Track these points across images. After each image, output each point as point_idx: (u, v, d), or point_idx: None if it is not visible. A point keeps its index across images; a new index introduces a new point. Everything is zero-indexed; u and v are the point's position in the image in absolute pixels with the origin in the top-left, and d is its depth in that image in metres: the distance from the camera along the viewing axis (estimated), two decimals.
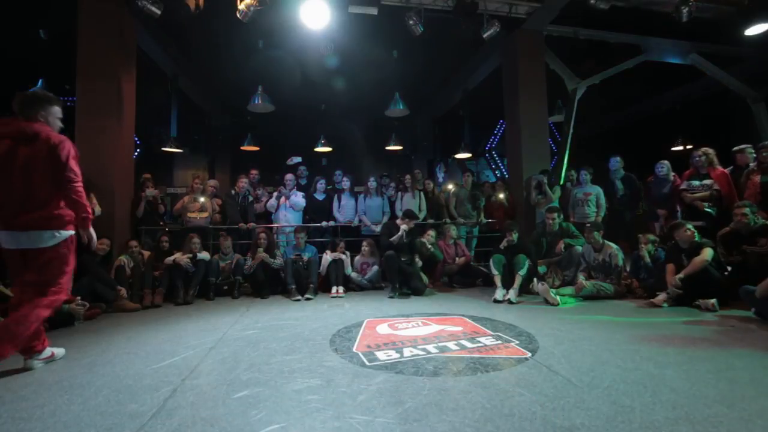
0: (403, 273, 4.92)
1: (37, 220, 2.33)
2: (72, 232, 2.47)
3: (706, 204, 4.71)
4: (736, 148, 5.03)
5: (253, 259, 5.01)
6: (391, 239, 4.98)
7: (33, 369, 2.37)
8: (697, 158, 4.91)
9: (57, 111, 2.55)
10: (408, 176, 6.46)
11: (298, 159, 7.32)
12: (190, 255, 4.83)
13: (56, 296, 2.42)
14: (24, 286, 2.39)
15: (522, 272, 4.35)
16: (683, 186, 4.96)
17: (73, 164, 2.41)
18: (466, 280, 5.49)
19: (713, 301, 3.58)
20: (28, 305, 2.31)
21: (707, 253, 3.78)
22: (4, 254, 2.40)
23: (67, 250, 2.46)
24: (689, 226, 4.02)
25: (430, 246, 5.27)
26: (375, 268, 5.35)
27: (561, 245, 4.79)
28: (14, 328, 2.23)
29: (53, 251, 2.39)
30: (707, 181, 4.81)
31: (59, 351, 2.61)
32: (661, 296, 3.85)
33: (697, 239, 3.95)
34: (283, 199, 5.95)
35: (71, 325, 3.53)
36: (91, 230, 2.51)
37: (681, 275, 3.79)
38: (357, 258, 5.45)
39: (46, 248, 2.37)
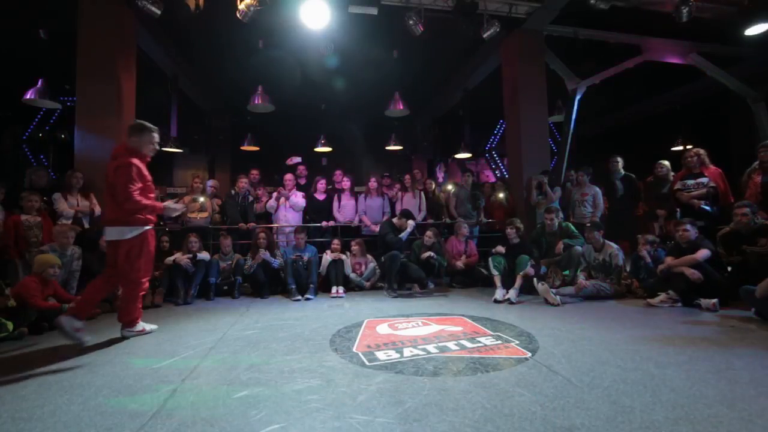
0: (404, 269, 4.99)
1: (117, 219, 3.03)
2: (145, 228, 3.10)
3: (702, 202, 4.71)
4: (763, 144, 4.79)
5: (253, 259, 5.01)
6: (401, 235, 5.02)
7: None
8: (689, 158, 4.93)
9: (151, 137, 3.18)
10: (408, 176, 6.46)
11: (298, 159, 7.32)
12: (190, 255, 4.83)
13: (142, 279, 3.17)
14: (112, 270, 3.12)
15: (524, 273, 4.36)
16: (677, 186, 4.98)
17: (124, 181, 2.93)
18: (467, 280, 5.49)
19: (714, 300, 3.58)
20: (124, 288, 3.20)
21: (701, 254, 3.78)
22: (105, 243, 3.17)
23: (141, 242, 3.09)
24: (686, 226, 4.00)
25: (433, 254, 5.24)
26: (371, 266, 5.38)
27: (560, 245, 4.80)
28: (124, 305, 3.16)
29: (128, 243, 3.04)
30: (702, 179, 4.81)
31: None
32: (662, 297, 3.85)
33: (698, 240, 3.93)
34: (282, 200, 5.95)
35: None
36: (167, 208, 3.21)
37: (663, 266, 3.90)
38: (349, 259, 5.46)
39: (124, 240, 3.03)
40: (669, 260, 3.98)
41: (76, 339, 2.81)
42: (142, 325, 3.20)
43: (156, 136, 3.21)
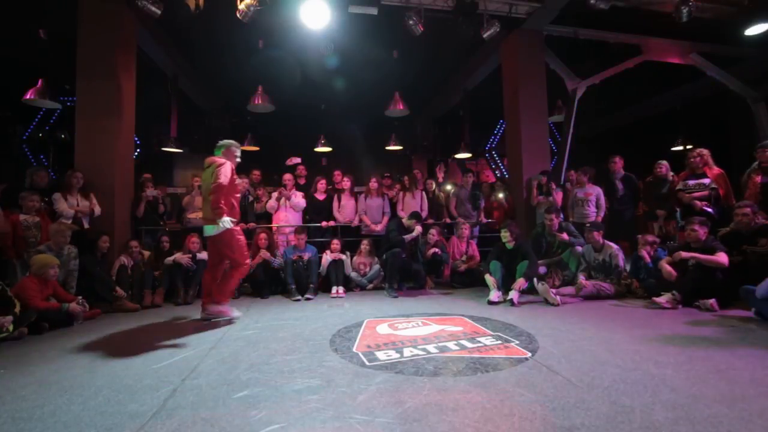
0: (405, 268, 5.06)
1: (209, 218, 3.57)
2: (229, 227, 3.55)
3: (704, 204, 4.70)
4: (761, 144, 4.75)
5: (254, 259, 5.01)
6: (406, 236, 5.02)
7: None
8: (692, 159, 4.93)
9: (234, 150, 3.80)
10: (406, 177, 6.46)
11: (298, 160, 7.30)
12: (191, 255, 4.83)
13: (237, 266, 3.71)
14: (212, 262, 3.86)
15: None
16: (679, 186, 4.97)
17: (221, 177, 3.47)
18: (467, 280, 5.50)
19: (712, 300, 3.57)
20: (229, 270, 3.74)
21: (724, 258, 3.62)
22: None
23: (229, 237, 3.59)
24: (696, 226, 3.86)
25: (438, 250, 5.33)
26: (376, 267, 5.37)
27: (564, 234, 4.78)
28: (222, 287, 3.71)
29: (219, 238, 3.59)
30: (703, 180, 4.81)
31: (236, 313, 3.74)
32: (667, 296, 3.75)
33: (709, 241, 3.81)
34: (284, 200, 5.96)
35: (70, 325, 3.53)
36: (224, 219, 3.50)
37: (686, 255, 3.76)
38: (355, 258, 5.46)
39: (215, 236, 3.59)
40: (683, 252, 3.85)
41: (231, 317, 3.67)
42: (227, 307, 3.67)
43: (238, 151, 3.83)
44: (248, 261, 3.81)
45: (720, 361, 2.26)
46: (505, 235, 4.56)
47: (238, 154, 3.83)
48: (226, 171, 3.52)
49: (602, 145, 10.52)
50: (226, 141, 3.81)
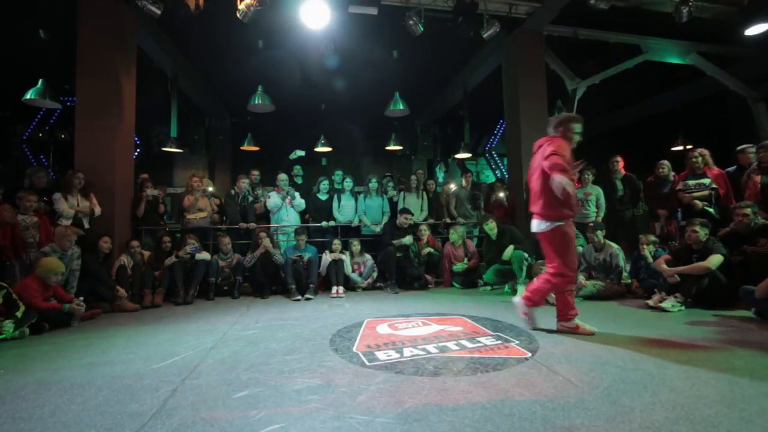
0: (403, 269, 5.18)
1: (536, 212, 3.03)
2: (558, 223, 2.94)
3: (704, 203, 4.71)
4: (739, 148, 5.00)
5: (255, 252, 5.03)
6: (393, 241, 5.10)
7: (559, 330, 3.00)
8: (693, 159, 4.94)
9: (575, 127, 3.00)
10: (414, 177, 6.47)
11: (302, 153, 7.26)
12: (189, 255, 4.84)
13: (554, 273, 2.99)
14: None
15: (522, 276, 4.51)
16: (679, 186, 4.98)
17: (553, 158, 2.78)
18: (467, 280, 5.50)
19: (669, 304, 3.57)
20: (541, 277, 3.14)
21: (713, 261, 3.59)
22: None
23: (555, 238, 2.97)
24: (696, 227, 3.81)
25: (432, 250, 5.43)
26: (369, 263, 5.45)
27: None
28: (556, 298, 3.09)
29: (543, 236, 3.04)
30: (703, 180, 4.82)
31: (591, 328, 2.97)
32: (670, 301, 3.67)
33: (710, 243, 3.77)
34: (288, 199, 5.97)
35: (69, 325, 3.53)
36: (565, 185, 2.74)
37: (676, 270, 3.76)
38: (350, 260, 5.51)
39: (540, 233, 3.04)
40: (665, 267, 3.85)
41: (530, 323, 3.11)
42: (576, 322, 2.96)
43: (577, 126, 3.01)
44: (571, 272, 3.04)
45: (720, 361, 2.26)
46: (491, 226, 4.98)
47: (578, 129, 3.01)
48: (555, 150, 2.83)
49: (602, 145, 10.52)
50: (562, 114, 3.17)
